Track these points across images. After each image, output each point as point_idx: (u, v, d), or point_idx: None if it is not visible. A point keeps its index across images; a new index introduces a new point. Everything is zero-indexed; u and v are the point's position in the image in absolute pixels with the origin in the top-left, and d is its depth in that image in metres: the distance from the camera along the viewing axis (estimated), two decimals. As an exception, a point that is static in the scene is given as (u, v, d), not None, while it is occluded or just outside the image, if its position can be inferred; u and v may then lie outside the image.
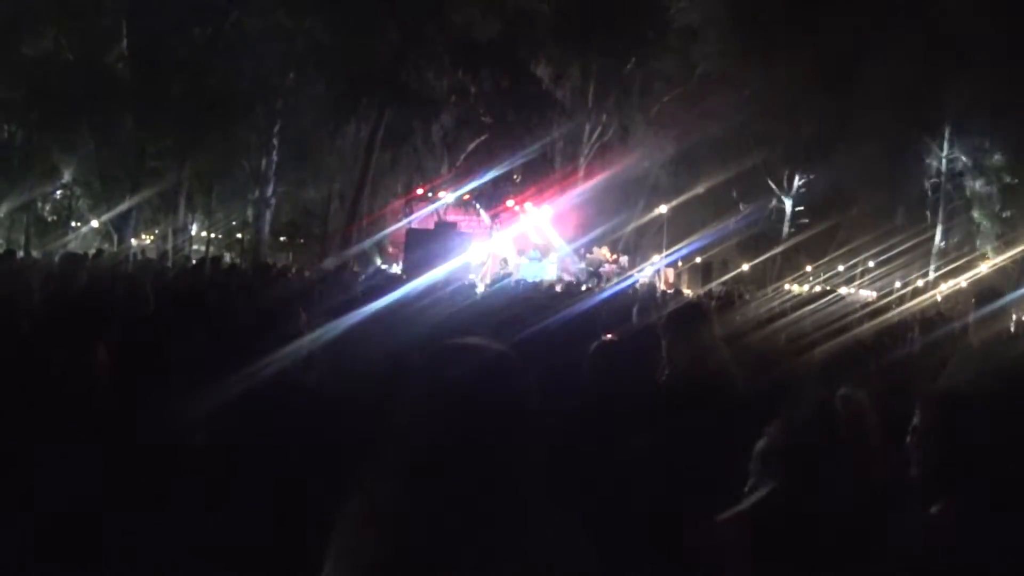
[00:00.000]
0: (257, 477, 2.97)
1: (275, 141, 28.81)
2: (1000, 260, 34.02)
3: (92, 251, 18.03)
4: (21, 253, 19.62)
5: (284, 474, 2.93)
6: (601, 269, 24.15)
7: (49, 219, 33.28)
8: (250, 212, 31.04)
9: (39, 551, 2.56)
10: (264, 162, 29.15)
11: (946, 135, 35.40)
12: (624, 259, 27.08)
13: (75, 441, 2.76)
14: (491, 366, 1.83)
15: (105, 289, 7.55)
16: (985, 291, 6.25)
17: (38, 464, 2.67)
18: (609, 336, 4.92)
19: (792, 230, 37.09)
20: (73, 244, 27.90)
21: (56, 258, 13.72)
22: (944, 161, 35.86)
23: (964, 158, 35.80)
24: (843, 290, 30.19)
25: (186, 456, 3.09)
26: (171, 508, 2.75)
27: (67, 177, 29.63)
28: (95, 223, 30.48)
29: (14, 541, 2.54)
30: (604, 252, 26.13)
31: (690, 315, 4.57)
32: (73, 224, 32.14)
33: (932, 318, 10.19)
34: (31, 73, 24.80)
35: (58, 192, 31.82)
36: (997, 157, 35.20)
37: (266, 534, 2.83)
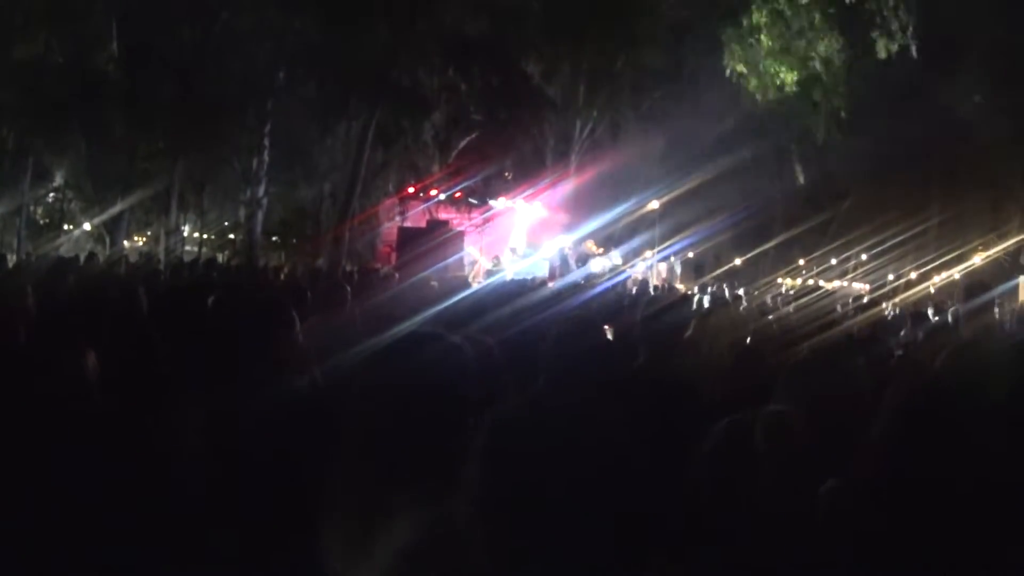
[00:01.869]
0: (256, 479, 2.99)
1: (266, 141, 28.75)
2: (993, 252, 34.09)
3: (85, 254, 18.02)
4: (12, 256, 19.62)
5: (282, 473, 2.95)
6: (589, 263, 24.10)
7: (41, 222, 33.23)
8: (242, 212, 31.00)
9: (36, 555, 2.57)
10: (255, 162, 29.09)
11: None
12: (615, 254, 27.06)
13: (69, 446, 2.77)
14: (426, 352, 2.00)
15: (96, 292, 7.55)
16: (974, 284, 6.28)
17: (34, 470, 2.68)
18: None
19: (784, 224, 37.12)
20: (65, 247, 27.86)
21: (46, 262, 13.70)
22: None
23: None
24: (836, 283, 30.30)
25: (182, 460, 3.11)
26: (169, 512, 2.77)
27: (59, 180, 29.59)
28: (87, 226, 30.43)
29: (11, 545, 2.55)
30: (590, 245, 26.12)
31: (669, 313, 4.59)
32: (65, 227, 32.10)
33: (924, 312, 10.23)
34: (21, 76, 24.74)
35: (50, 195, 31.75)
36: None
37: (264, 535, 2.85)
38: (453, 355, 2.02)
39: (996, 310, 6.42)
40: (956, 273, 32.07)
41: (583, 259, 24.38)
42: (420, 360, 1.95)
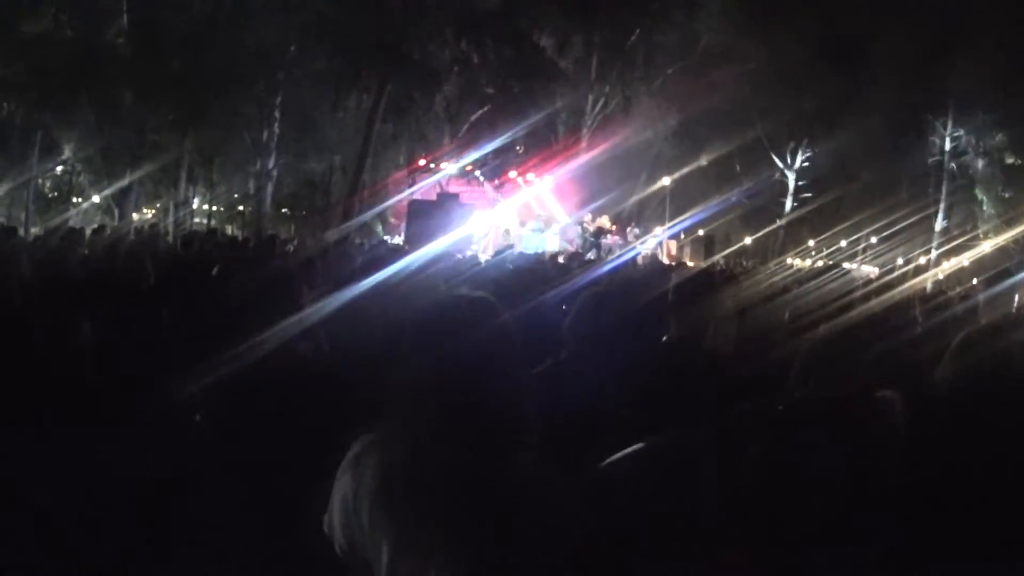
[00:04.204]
0: (256, 451, 2.95)
1: (276, 113, 28.67)
2: (1001, 240, 33.85)
3: (94, 226, 17.98)
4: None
5: (280, 449, 2.90)
6: (603, 240, 24.03)
7: (50, 195, 33.20)
8: (252, 185, 30.94)
9: (33, 533, 2.52)
10: (265, 134, 29.02)
11: (950, 113, 34.96)
12: (632, 231, 26.98)
13: (62, 418, 2.71)
14: (470, 311, 1.94)
15: (104, 263, 7.51)
16: (993, 272, 6.18)
17: (28, 444, 2.62)
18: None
19: (795, 204, 36.90)
20: (74, 220, 27.84)
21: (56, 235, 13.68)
22: (948, 140, 35.50)
23: (967, 137, 35.42)
24: (845, 265, 30.12)
25: (185, 432, 3.06)
26: (167, 485, 2.72)
27: (67, 153, 29.52)
28: (96, 198, 30.41)
29: (8, 523, 2.50)
30: (604, 221, 26.01)
31: (698, 284, 4.52)
32: (74, 200, 32.07)
33: (935, 295, 10.08)
34: (31, 50, 24.63)
35: (59, 168, 31.70)
36: (1000, 137, 34.84)
37: (264, 510, 2.81)
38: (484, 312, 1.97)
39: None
40: (965, 260, 31.91)
41: (596, 234, 24.30)
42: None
